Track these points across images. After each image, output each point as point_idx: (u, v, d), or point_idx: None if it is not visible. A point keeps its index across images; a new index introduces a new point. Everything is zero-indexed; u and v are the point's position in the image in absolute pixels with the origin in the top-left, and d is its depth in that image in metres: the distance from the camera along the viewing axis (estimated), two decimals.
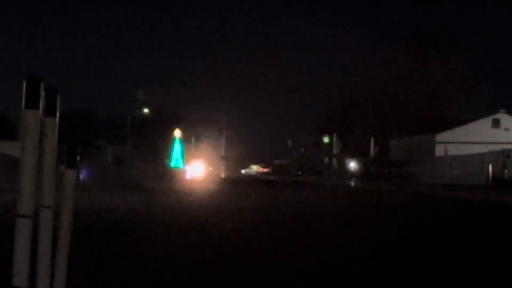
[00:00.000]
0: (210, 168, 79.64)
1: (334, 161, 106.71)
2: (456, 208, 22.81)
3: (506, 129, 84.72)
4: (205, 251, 9.76)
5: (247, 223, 14.80)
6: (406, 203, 26.00)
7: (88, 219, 13.83)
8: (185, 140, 72.09)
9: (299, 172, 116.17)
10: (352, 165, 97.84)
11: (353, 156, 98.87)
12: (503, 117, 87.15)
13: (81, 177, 41.79)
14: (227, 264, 8.56)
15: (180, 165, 65.61)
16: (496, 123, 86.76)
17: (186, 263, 8.61)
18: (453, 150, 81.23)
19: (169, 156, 66.46)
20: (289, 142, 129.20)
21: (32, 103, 3.50)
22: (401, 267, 8.65)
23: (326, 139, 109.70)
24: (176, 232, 12.30)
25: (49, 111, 3.75)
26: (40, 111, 3.55)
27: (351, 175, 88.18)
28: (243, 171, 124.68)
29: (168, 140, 70.51)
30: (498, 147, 70.92)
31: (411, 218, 18.14)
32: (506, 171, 60.68)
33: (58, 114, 3.81)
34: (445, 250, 10.57)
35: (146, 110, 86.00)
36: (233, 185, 44.99)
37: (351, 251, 10.20)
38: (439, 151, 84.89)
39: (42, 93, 3.57)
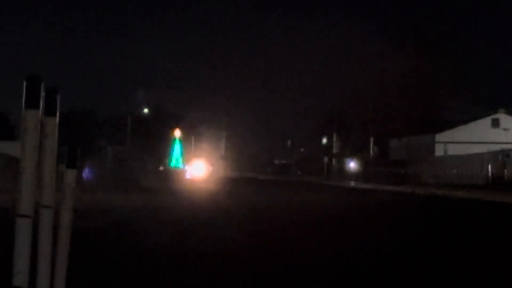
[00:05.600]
0: (210, 168, 79.55)
1: (334, 161, 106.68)
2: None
3: (505, 129, 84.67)
4: (205, 252, 9.77)
5: (247, 225, 14.80)
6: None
7: (89, 219, 13.82)
8: (185, 140, 72.02)
9: (299, 172, 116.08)
10: (352, 165, 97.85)
11: (353, 156, 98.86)
12: (503, 117, 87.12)
13: (84, 176, 41.87)
14: (228, 265, 8.56)
15: (180, 165, 65.55)
16: (495, 123, 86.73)
17: (187, 263, 8.61)
18: (452, 150, 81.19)
19: (169, 156, 66.40)
20: (289, 142, 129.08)
21: (32, 103, 3.50)
22: (406, 266, 8.66)
23: (323, 139, 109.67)
24: (177, 233, 12.29)
25: (49, 111, 3.75)
26: (40, 111, 3.55)
27: (351, 175, 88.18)
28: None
29: (168, 140, 70.46)
30: (497, 147, 70.90)
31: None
32: (505, 171, 60.65)
33: (58, 114, 3.81)
34: (451, 249, 10.58)
35: (146, 110, 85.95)
36: (234, 185, 44.95)
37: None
38: (438, 151, 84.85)
39: (42, 93, 3.57)
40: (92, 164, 47.19)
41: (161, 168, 62.66)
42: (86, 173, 43.51)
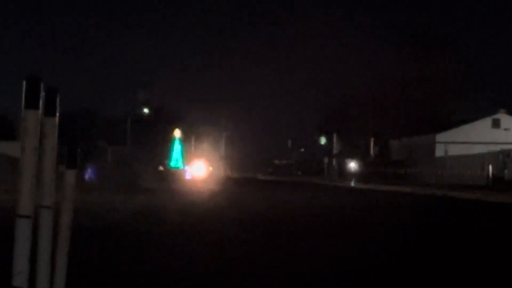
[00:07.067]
0: (210, 168, 79.55)
1: (334, 161, 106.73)
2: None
3: (506, 129, 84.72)
4: (206, 253, 9.76)
5: (248, 228, 14.80)
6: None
7: (90, 220, 13.83)
8: (185, 140, 72.03)
9: (299, 173, 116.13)
10: (352, 165, 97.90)
11: (353, 156, 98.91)
12: (503, 117, 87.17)
13: (87, 177, 41.97)
14: (228, 267, 8.56)
15: (180, 165, 65.55)
16: (496, 123, 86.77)
17: (187, 265, 8.61)
18: (453, 150, 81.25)
19: (169, 156, 66.40)
20: (289, 142, 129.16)
21: (32, 103, 3.50)
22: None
23: (323, 139, 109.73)
24: (177, 233, 12.30)
25: (49, 111, 3.75)
26: (40, 111, 3.55)
27: (351, 175, 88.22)
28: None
29: (168, 140, 70.48)
30: (498, 147, 70.91)
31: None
32: (506, 171, 60.67)
33: (58, 114, 3.80)
34: (451, 250, 10.59)
35: (146, 110, 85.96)
36: (234, 185, 44.97)
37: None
38: (439, 151, 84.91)
39: (42, 93, 3.57)
40: (93, 164, 47.25)
41: (161, 168, 62.69)
42: (88, 173, 43.62)
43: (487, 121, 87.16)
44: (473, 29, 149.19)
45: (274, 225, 14.47)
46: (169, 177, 55.08)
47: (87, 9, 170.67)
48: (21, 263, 3.47)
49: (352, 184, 59.54)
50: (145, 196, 26.15)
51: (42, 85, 3.55)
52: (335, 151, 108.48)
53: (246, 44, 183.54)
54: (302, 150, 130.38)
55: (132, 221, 14.54)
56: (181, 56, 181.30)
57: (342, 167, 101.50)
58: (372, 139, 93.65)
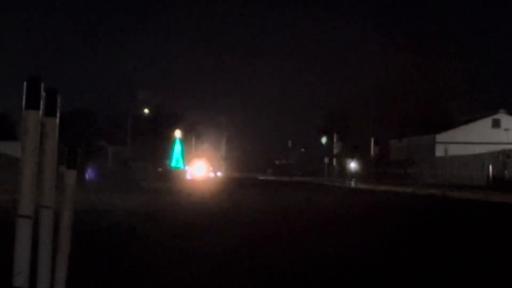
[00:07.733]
0: (211, 169, 79.52)
1: (335, 161, 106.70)
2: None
3: (506, 129, 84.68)
4: (206, 253, 9.77)
5: (247, 226, 14.80)
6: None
7: (90, 220, 13.83)
8: (185, 140, 72.03)
9: (300, 173, 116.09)
10: (353, 165, 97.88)
11: (353, 156, 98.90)
12: (503, 117, 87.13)
13: (87, 177, 41.97)
14: (228, 267, 8.56)
15: (181, 165, 65.55)
16: (496, 123, 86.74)
17: (188, 266, 8.61)
18: (453, 150, 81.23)
19: (169, 157, 66.40)
20: (290, 142, 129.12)
21: (32, 104, 3.51)
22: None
23: (324, 139, 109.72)
24: (177, 234, 12.30)
25: (50, 112, 3.75)
26: (41, 112, 3.55)
27: (352, 175, 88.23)
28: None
29: (168, 140, 70.49)
30: (498, 148, 70.90)
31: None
32: (506, 171, 60.66)
33: (58, 115, 3.81)
34: (451, 251, 10.59)
35: (146, 110, 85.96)
36: (235, 186, 44.96)
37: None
38: (439, 151, 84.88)
39: (43, 94, 3.57)
40: (94, 164, 47.26)
41: (160, 168, 62.70)
42: (89, 174, 43.63)
43: (487, 121, 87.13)
44: (473, 29, 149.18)
45: (274, 225, 14.47)
46: (169, 177, 55.09)
47: (87, 9, 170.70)
48: (21, 263, 3.47)
49: (352, 184, 59.53)
50: (145, 197, 26.15)
51: (42, 86, 3.56)
52: (335, 151, 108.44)
53: (247, 44, 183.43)
54: (303, 150, 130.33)
55: (132, 222, 14.54)
56: (181, 56, 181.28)
57: (342, 167, 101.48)
58: (372, 139, 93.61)
